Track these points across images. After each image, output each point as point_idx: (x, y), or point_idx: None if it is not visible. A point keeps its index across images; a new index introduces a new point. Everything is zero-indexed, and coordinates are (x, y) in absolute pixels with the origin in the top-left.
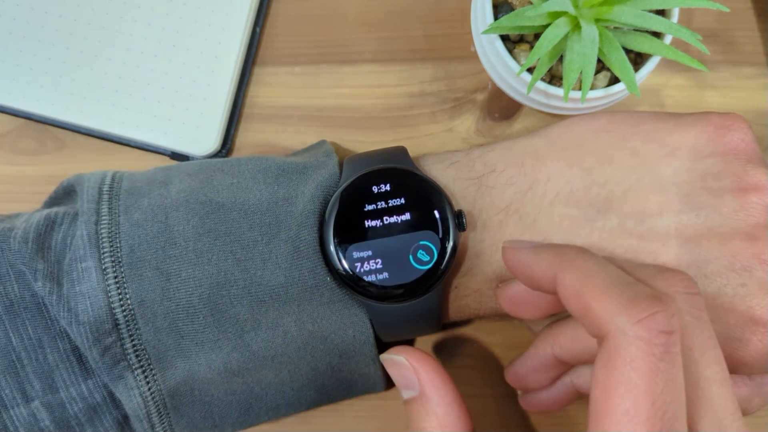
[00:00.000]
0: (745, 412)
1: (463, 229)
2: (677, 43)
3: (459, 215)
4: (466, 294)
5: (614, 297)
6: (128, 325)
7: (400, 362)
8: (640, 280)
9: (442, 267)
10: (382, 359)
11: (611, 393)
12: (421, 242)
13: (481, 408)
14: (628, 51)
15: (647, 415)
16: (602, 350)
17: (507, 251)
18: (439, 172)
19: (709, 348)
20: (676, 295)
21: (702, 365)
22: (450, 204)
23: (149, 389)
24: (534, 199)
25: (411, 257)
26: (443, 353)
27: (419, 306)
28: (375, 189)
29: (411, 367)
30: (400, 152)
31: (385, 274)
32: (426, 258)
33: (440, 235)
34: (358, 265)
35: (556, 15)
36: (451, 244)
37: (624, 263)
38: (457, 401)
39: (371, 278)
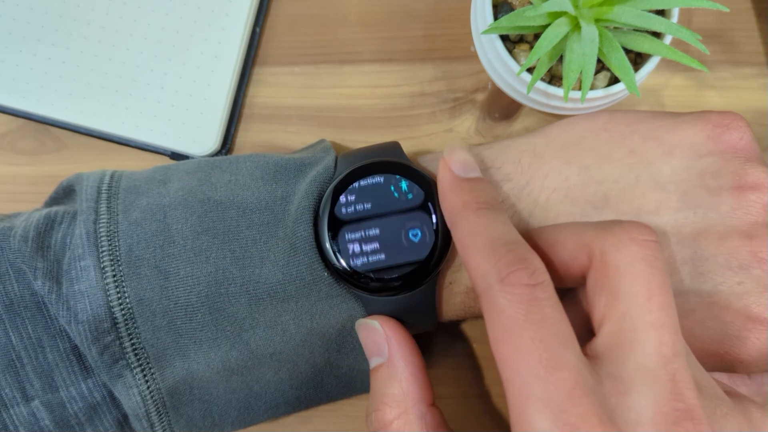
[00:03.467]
0: None
1: None
2: (677, 43)
3: None
4: (460, 291)
5: (488, 257)
6: (127, 324)
7: (374, 327)
8: (599, 229)
9: (436, 257)
10: (357, 324)
11: (496, 343)
12: (413, 219)
13: (480, 408)
14: (628, 51)
15: (529, 352)
16: (482, 306)
17: (441, 163)
18: (435, 168)
19: (657, 294)
20: (632, 242)
21: (645, 310)
22: None
23: (148, 388)
24: (531, 195)
25: (403, 237)
26: (441, 353)
27: (415, 299)
28: None
29: (383, 333)
30: (394, 147)
31: (381, 255)
32: (418, 237)
33: (434, 226)
34: (351, 246)
35: (556, 15)
36: (444, 234)
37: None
38: (422, 372)
39: (363, 259)
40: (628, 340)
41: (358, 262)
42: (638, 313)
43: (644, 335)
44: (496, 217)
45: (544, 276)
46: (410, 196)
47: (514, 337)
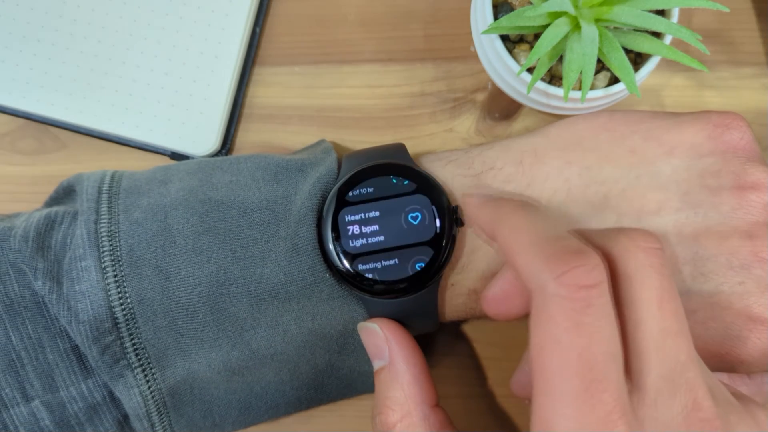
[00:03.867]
0: None
1: (461, 224)
2: (677, 43)
3: (456, 210)
4: (462, 292)
5: (538, 253)
6: (128, 324)
7: (374, 330)
8: (603, 238)
9: (440, 260)
10: (358, 327)
11: (540, 351)
12: (415, 205)
13: (481, 408)
14: (628, 51)
15: (575, 370)
16: (531, 308)
17: (466, 200)
18: (437, 169)
19: (667, 301)
20: (638, 250)
21: (659, 318)
22: (447, 198)
23: (149, 388)
24: (532, 196)
25: (403, 219)
26: (442, 353)
27: (417, 301)
28: None
29: (383, 336)
30: (399, 148)
31: (381, 237)
32: (418, 220)
33: (438, 230)
34: (350, 228)
35: (556, 15)
36: (447, 237)
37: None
38: (423, 373)
39: (363, 241)
40: (645, 349)
41: (358, 243)
42: (651, 321)
43: (660, 343)
44: (533, 213)
45: (602, 274)
46: (406, 182)
47: (560, 350)
